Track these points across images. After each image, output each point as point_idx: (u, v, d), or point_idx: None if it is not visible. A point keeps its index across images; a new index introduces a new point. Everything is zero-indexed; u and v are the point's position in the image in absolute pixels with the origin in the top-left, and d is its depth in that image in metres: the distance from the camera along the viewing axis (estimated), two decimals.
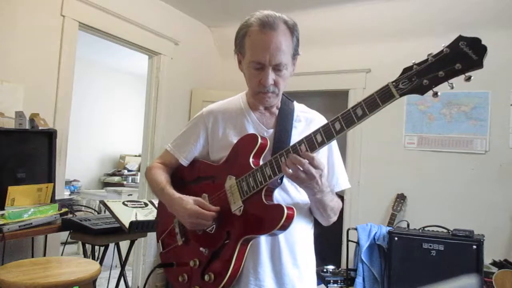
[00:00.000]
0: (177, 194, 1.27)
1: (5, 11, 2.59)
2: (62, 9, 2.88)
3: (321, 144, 1.06)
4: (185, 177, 1.39)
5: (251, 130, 1.29)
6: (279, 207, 1.10)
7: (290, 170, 1.07)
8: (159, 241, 1.43)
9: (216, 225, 1.22)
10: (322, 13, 3.73)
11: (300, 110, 1.37)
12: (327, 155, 1.32)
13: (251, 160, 1.19)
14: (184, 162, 1.38)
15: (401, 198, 3.47)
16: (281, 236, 1.21)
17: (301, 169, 1.06)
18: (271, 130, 1.29)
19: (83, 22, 3.04)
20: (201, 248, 1.24)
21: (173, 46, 3.92)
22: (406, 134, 3.58)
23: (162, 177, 1.36)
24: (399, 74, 0.96)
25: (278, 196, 1.21)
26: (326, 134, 1.05)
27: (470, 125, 3.34)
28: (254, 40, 1.20)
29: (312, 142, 1.07)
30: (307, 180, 1.08)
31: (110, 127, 6.00)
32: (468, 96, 3.36)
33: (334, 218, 1.29)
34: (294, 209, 1.10)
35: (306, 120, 1.35)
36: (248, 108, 1.33)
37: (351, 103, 3.80)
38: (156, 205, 2.63)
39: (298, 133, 1.29)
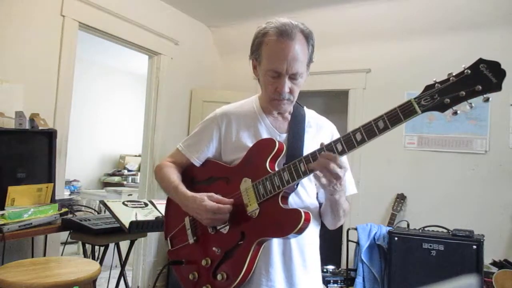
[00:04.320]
0: (190, 193, 1.28)
1: (4, 11, 2.59)
2: (62, 9, 2.88)
3: (342, 153, 1.08)
4: (196, 176, 1.40)
5: (264, 134, 1.32)
6: (296, 211, 1.12)
7: (318, 173, 1.09)
8: (167, 239, 1.44)
9: (230, 226, 1.24)
10: (322, 13, 3.73)
11: (310, 116, 1.41)
12: None
13: (267, 164, 1.21)
14: (197, 162, 1.39)
15: (401, 198, 3.47)
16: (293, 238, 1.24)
17: (328, 170, 1.07)
18: (284, 135, 1.32)
19: (83, 22, 3.04)
20: (213, 248, 1.25)
21: (173, 46, 3.92)
22: (406, 134, 3.58)
23: (174, 175, 1.37)
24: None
25: (290, 199, 1.23)
26: (347, 144, 1.07)
27: (470, 125, 3.34)
28: (271, 49, 1.22)
29: (332, 151, 1.09)
30: (333, 181, 1.09)
31: (110, 127, 5.99)
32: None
33: (343, 221, 1.32)
34: (310, 213, 1.12)
35: (317, 126, 1.38)
36: (262, 112, 1.35)
37: (351, 103, 3.80)
38: (156, 205, 2.66)
39: (309, 138, 1.32)
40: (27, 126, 2.48)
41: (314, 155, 1.11)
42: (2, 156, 2.32)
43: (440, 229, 3.03)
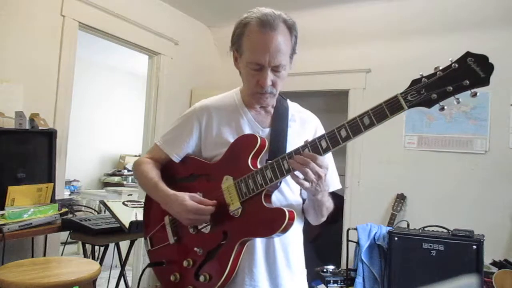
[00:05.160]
0: (171, 191, 1.23)
1: (4, 11, 2.59)
2: (62, 9, 2.88)
3: (326, 150, 1.05)
4: (175, 173, 1.34)
5: (246, 129, 1.26)
6: (280, 210, 1.09)
7: (298, 172, 1.06)
8: (147, 238, 1.39)
9: (212, 225, 1.20)
10: (322, 13, 3.73)
11: (294, 109, 1.36)
12: None
13: (249, 161, 1.17)
14: (176, 158, 1.33)
15: (401, 198, 3.47)
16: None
17: (308, 169, 1.04)
18: (267, 129, 1.27)
19: (83, 22, 3.04)
20: (195, 248, 1.21)
21: (173, 46, 3.92)
22: (406, 134, 3.58)
23: (153, 172, 1.31)
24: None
25: (273, 197, 1.19)
26: (331, 141, 1.04)
27: (470, 125, 3.34)
28: (253, 40, 1.17)
29: (317, 148, 1.06)
30: (314, 181, 1.06)
31: (110, 127, 5.99)
32: (468, 96, 3.36)
33: (324, 218, 1.29)
34: (294, 212, 1.09)
35: (301, 120, 1.34)
36: (243, 105, 1.30)
37: (351, 103, 3.80)
38: None
39: (293, 133, 1.28)
40: (27, 126, 2.48)
41: (298, 153, 1.07)
42: (2, 156, 2.31)
43: (440, 229, 3.03)
